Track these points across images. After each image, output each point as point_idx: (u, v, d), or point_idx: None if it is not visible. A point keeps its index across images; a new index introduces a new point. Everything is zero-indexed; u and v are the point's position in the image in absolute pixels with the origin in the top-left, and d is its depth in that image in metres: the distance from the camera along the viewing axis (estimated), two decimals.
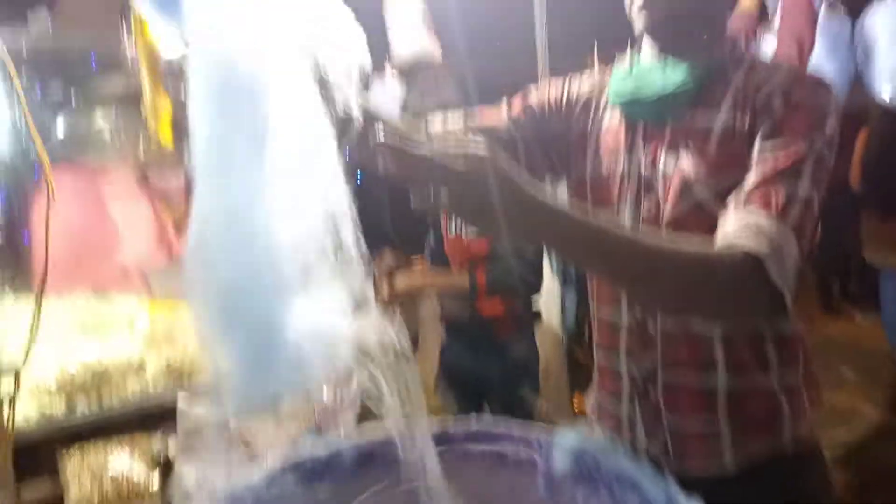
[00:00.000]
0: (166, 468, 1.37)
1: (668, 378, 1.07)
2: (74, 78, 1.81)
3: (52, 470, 1.40)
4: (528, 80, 3.36)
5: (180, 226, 2.99)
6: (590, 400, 1.25)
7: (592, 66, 3.32)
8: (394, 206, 4.82)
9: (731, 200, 0.94)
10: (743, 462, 1.05)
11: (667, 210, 1.03)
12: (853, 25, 2.42)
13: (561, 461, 1.00)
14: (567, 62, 3.82)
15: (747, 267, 0.85)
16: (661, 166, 1.04)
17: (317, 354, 0.65)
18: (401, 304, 2.26)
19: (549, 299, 2.80)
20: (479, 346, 2.36)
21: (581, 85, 1.20)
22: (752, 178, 0.94)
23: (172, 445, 1.44)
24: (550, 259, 3.35)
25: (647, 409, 1.09)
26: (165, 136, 1.70)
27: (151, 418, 1.55)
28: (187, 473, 1.37)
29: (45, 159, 1.36)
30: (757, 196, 0.91)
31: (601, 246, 0.81)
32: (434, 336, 2.58)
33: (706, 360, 1.05)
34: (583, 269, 1.03)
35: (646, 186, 1.06)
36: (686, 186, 1.01)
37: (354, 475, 1.07)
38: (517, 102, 1.22)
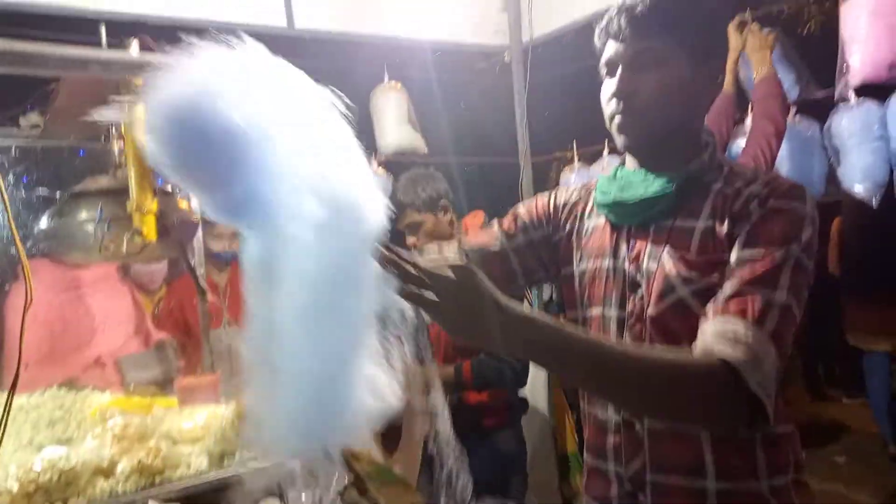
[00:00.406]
0: None
1: (657, 479, 1.07)
2: (61, 174, 1.83)
3: None
4: (510, 168, 3.48)
5: (158, 313, 2.96)
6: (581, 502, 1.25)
7: (573, 160, 3.46)
8: None
9: (710, 307, 0.97)
10: None
11: (651, 306, 1.06)
12: (821, 129, 2.53)
13: None
14: (548, 153, 3.96)
15: (724, 375, 0.88)
16: (644, 265, 1.09)
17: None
18: None
19: (537, 387, 2.76)
20: (465, 435, 2.30)
21: (567, 194, 1.28)
22: (729, 285, 0.97)
23: None
24: None
25: None
26: (150, 230, 1.71)
27: None
28: None
29: (24, 258, 1.36)
30: (734, 304, 0.95)
31: (582, 359, 0.89)
32: (418, 427, 2.52)
33: (695, 463, 1.04)
34: (566, 380, 1.05)
35: (630, 284, 1.11)
36: (668, 284, 1.05)
37: None
38: (507, 218, 1.30)
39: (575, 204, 1.26)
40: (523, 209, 1.30)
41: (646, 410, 0.99)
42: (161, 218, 1.74)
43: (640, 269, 1.09)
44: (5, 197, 1.33)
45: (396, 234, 2.52)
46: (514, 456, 2.31)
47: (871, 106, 2.40)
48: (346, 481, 1.40)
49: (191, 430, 1.68)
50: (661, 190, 1.07)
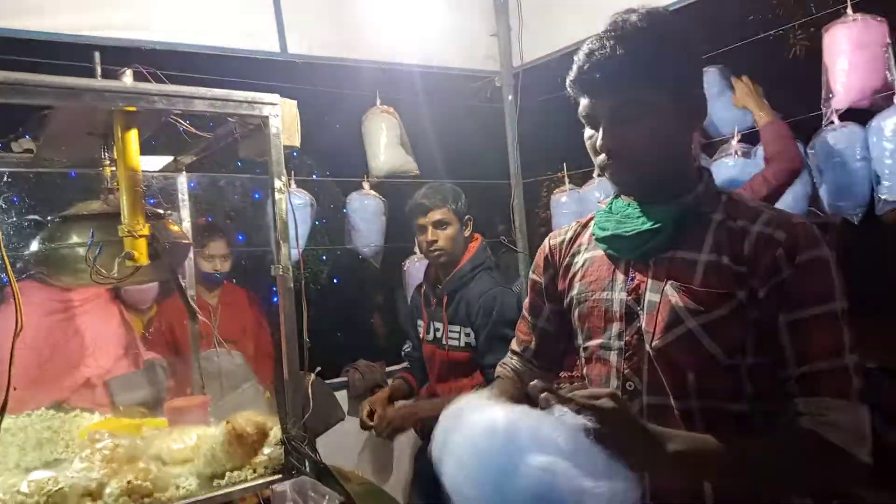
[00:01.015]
0: None
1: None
2: (53, 199, 1.85)
3: None
4: (502, 190, 3.51)
5: (149, 334, 2.96)
6: None
7: (563, 182, 3.49)
8: (370, 316, 4.84)
9: (792, 385, 0.99)
10: None
11: (655, 339, 1.07)
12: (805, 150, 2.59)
13: None
14: (538, 174, 4.00)
15: (836, 456, 0.94)
16: (645, 298, 1.10)
17: None
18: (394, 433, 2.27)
19: None
20: None
21: (560, 234, 1.32)
22: (800, 361, 0.98)
23: None
24: None
25: None
26: (141, 253, 1.72)
27: None
28: None
29: (14, 282, 1.37)
30: (819, 385, 0.97)
31: (719, 466, 0.96)
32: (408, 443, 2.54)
33: (693, 491, 1.06)
34: (702, 480, 1.06)
35: (628, 318, 1.12)
36: (675, 316, 1.05)
37: None
38: (529, 296, 1.38)
39: (571, 240, 1.29)
40: (533, 275, 1.36)
41: (774, 493, 1.04)
42: (152, 241, 1.75)
43: (639, 302, 1.10)
44: None
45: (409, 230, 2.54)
46: None
47: (853, 129, 2.46)
48: (337, 502, 1.40)
49: (180, 451, 1.68)
50: (658, 223, 1.08)
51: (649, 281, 1.10)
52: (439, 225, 2.35)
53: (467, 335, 2.31)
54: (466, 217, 2.39)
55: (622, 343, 1.12)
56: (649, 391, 1.09)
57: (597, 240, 1.19)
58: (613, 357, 1.13)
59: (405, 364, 2.66)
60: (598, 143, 1.08)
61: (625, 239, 1.12)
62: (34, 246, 1.73)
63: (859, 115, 2.47)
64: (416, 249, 3.37)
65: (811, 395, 0.97)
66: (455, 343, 2.34)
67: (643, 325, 1.09)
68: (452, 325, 2.34)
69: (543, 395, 0.89)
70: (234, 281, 3.41)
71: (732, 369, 1.04)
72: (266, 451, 1.68)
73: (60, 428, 1.89)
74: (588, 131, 1.13)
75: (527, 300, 1.39)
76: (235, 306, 3.29)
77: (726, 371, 1.04)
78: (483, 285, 2.32)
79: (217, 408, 2.06)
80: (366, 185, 3.29)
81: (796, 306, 0.98)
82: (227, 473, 1.61)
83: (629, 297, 1.12)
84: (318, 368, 1.80)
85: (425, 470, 2.44)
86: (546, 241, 1.34)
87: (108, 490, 1.47)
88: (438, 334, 2.39)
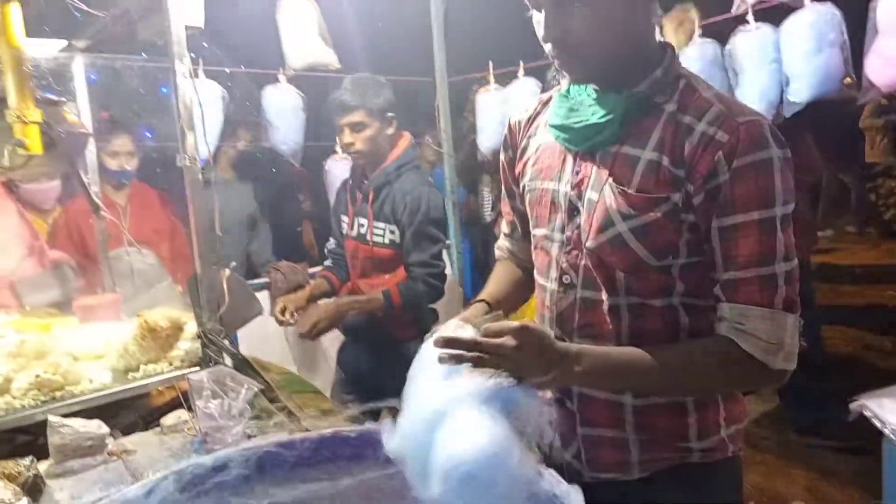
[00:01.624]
0: (35, 489, 1.28)
1: (583, 391, 1.11)
2: None
3: None
4: (427, 88, 3.43)
5: (53, 233, 2.81)
6: None
7: (489, 81, 3.44)
8: (294, 217, 4.75)
9: (718, 290, 0.99)
10: (649, 468, 1.10)
11: (589, 239, 1.05)
12: (722, 51, 2.63)
13: None
14: (465, 73, 3.92)
15: (750, 365, 0.97)
16: (585, 194, 1.06)
17: None
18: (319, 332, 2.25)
19: (451, 301, 2.84)
20: (377, 346, 2.36)
21: (523, 112, 1.25)
22: (727, 268, 0.98)
23: (41, 467, 1.34)
24: (451, 261, 3.42)
25: (563, 416, 1.13)
26: (34, 141, 1.60)
27: (19, 435, 1.45)
28: (59, 491, 1.29)
29: None
30: (740, 292, 0.97)
31: (631, 376, 1.01)
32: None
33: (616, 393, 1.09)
34: (618, 389, 1.09)
35: (570, 213, 1.09)
36: (607, 218, 1.03)
37: (243, 484, 1.06)
38: (503, 176, 1.31)
39: (529, 120, 1.22)
40: (501, 154, 1.29)
41: (685, 395, 1.08)
42: (46, 129, 1.63)
43: (581, 197, 1.07)
44: None
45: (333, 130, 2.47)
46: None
47: (766, 31, 2.51)
48: (256, 390, 1.42)
49: (92, 346, 1.64)
50: (606, 116, 1.02)
51: (592, 177, 1.06)
52: (356, 127, 2.28)
53: (392, 232, 2.31)
54: (389, 115, 2.33)
55: (563, 237, 1.10)
56: (583, 286, 1.08)
57: (550, 126, 1.12)
58: (555, 248, 1.12)
59: (327, 262, 2.64)
60: (542, 31, 1.00)
61: (573, 130, 1.06)
62: None
63: (774, 16, 2.52)
64: (338, 148, 3.28)
65: (733, 302, 0.97)
66: (379, 239, 2.34)
67: (581, 222, 1.07)
68: (378, 221, 2.33)
69: (441, 354, 0.92)
70: (143, 181, 3.25)
71: (663, 269, 1.03)
72: (182, 345, 1.67)
73: None
74: (535, 16, 1.03)
75: (502, 183, 1.34)
76: (146, 207, 3.15)
77: (656, 271, 1.03)
78: (409, 184, 2.30)
79: (130, 307, 2.01)
80: (282, 78, 3.14)
81: (729, 212, 0.96)
82: (143, 367, 1.59)
83: (573, 192, 1.08)
84: (233, 263, 1.77)
85: (349, 367, 2.50)
86: (510, 117, 1.27)
87: (15, 385, 1.43)
88: (363, 230, 2.37)
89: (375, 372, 2.30)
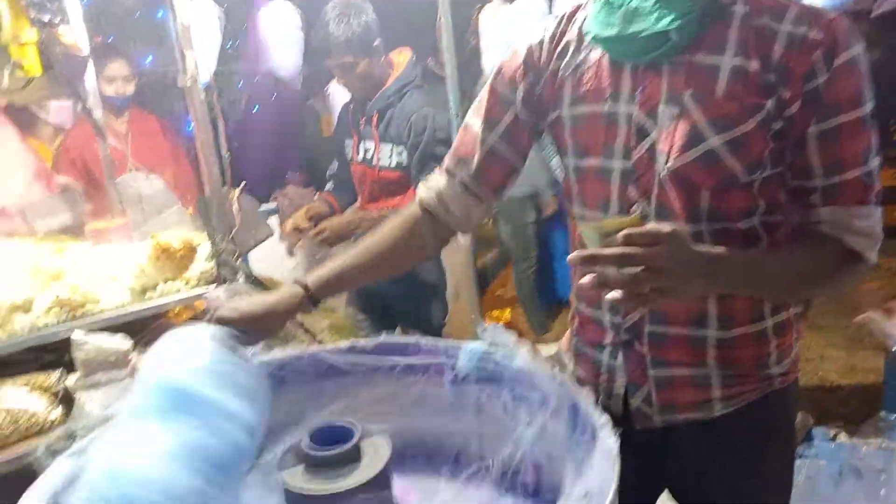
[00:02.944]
0: (67, 400, 1.33)
1: (656, 329, 1.02)
2: None
3: None
4: (427, 5, 3.31)
5: (58, 160, 2.79)
6: (566, 340, 1.23)
7: None
8: (293, 138, 4.69)
9: (817, 198, 0.95)
10: (731, 404, 1.04)
11: (671, 159, 0.95)
12: None
13: (465, 367, 1.06)
14: None
15: (855, 262, 0.95)
16: (660, 111, 0.95)
17: None
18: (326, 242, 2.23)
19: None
20: None
21: (544, 31, 1.09)
22: (828, 171, 0.93)
23: (70, 379, 1.39)
24: None
25: (631, 359, 1.05)
26: (32, 63, 1.57)
27: (45, 354, 1.50)
28: (89, 402, 1.34)
29: None
30: (844, 193, 0.93)
31: (763, 278, 0.94)
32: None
33: (698, 314, 1.01)
34: (745, 294, 1.02)
35: (638, 133, 0.98)
36: (695, 133, 0.93)
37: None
38: (484, 101, 1.13)
39: (554, 39, 1.07)
40: (496, 82, 1.12)
41: (796, 298, 1.06)
42: (44, 50, 1.59)
43: (653, 115, 0.96)
44: None
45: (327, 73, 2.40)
46: (434, 286, 2.41)
47: None
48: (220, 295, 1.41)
49: (108, 268, 1.67)
50: (675, 20, 0.90)
51: (665, 91, 0.94)
52: (345, 69, 2.22)
53: (399, 154, 2.28)
54: (375, 44, 2.24)
55: (629, 163, 0.98)
56: (658, 214, 0.97)
57: (595, 39, 0.99)
58: (615, 178, 1.00)
59: (328, 186, 2.62)
60: None
61: (636, 41, 0.93)
62: None
63: None
64: None
65: (836, 205, 0.93)
66: (386, 162, 2.31)
67: (658, 144, 0.96)
68: (384, 143, 2.30)
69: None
70: (143, 108, 3.20)
71: (748, 185, 0.95)
72: (196, 267, 1.69)
73: None
74: None
75: (475, 109, 1.15)
76: (147, 134, 3.12)
77: (742, 190, 0.95)
78: (413, 103, 2.25)
79: (141, 232, 2.02)
80: None
81: (830, 115, 0.90)
82: (160, 287, 1.62)
83: (640, 112, 0.96)
84: (244, 182, 1.77)
85: (359, 288, 2.52)
86: (522, 41, 1.11)
87: (37, 304, 1.46)
88: (369, 154, 2.35)
89: (385, 293, 2.34)
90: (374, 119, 2.30)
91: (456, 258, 3.01)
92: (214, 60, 2.91)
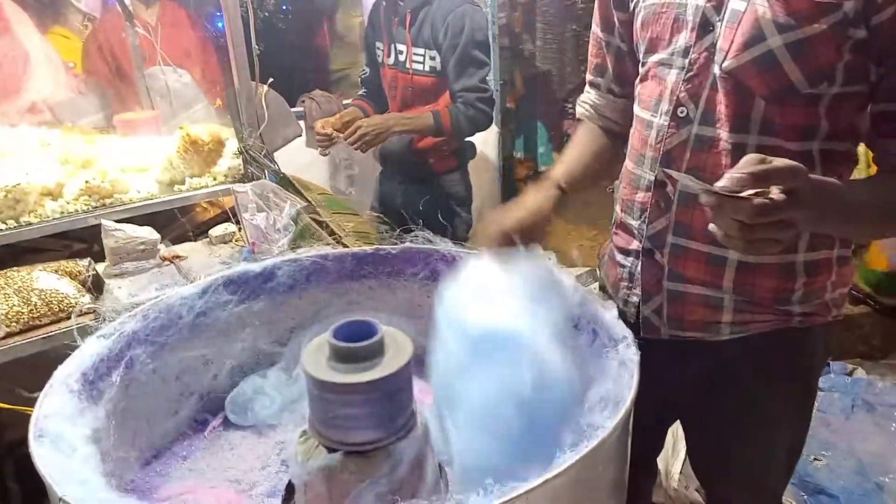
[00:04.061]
0: (96, 286, 1.36)
1: (678, 241, 0.98)
2: None
3: None
4: None
5: (86, 51, 2.76)
6: (604, 249, 1.23)
7: None
8: (326, 46, 4.58)
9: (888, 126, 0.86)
10: (740, 331, 1.00)
11: (728, 58, 0.88)
12: None
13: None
14: None
15: None
16: (728, 5, 0.89)
17: None
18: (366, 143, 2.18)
19: (487, 135, 2.79)
20: (414, 176, 2.36)
21: None
22: None
23: (99, 267, 1.42)
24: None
25: (650, 268, 1.02)
26: None
27: (74, 243, 1.52)
28: (118, 289, 1.37)
29: None
30: None
31: (854, 215, 0.83)
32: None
33: None
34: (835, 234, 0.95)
35: (702, 28, 0.91)
36: (757, 31, 0.85)
37: (290, 290, 1.11)
38: (597, 12, 1.12)
39: None
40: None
41: (874, 238, 0.99)
42: None
43: (720, 9, 0.89)
44: None
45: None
46: (460, 198, 2.39)
47: None
48: (298, 206, 1.44)
49: (136, 158, 1.67)
50: None
51: None
52: None
53: (432, 58, 2.21)
54: None
55: (686, 60, 0.92)
56: (703, 120, 0.92)
57: None
58: (672, 76, 0.95)
59: (361, 91, 2.56)
60: None
61: None
62: None
63: None
64: None
65: None
66: (419, 67, 2.24)
67: (718, 40, 0.89)
68: (416, 47, 2.22)
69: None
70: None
71: (811, 100, 0.87)
72: (224, 162, 1.68)
73: (9, 142, 1.83)
74: None
75: (595, 17, 1.14)
76: (177, 27, 3.03)
77: (804, 103, 0.87)
78: (449, 2, 2.16)
79: (169, 126, 2.01)
80: None
81: None
82: (188, 180, 1.62)
83: (708, 4, 0.90)
84: (271, 79, 1.72)
85: (386, 196, 2.51)
86: None
87: (66, 190, 1.48)
88: (401, 57, 2.27)
89: (413, 203, 2.32)
90: (407, 20, 2.21)
91: (484, 175, 2.98)
92: None
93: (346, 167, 2.75)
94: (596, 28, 1.14)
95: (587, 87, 1.19)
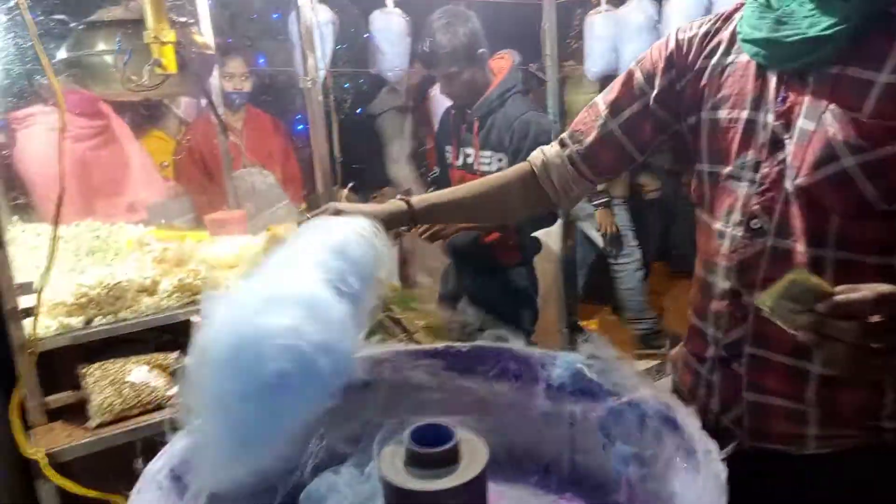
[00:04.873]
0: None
1: (756, 352, 0.96)
2: (76, 5, 1.80)
3: (75, 385, 1.47)
4: (531, 9, 3.31)
5: (179, 150, 3.00)
6: (677, 353, 1.18)
7: (598, 2, 3.27)
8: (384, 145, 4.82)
9: None
10: (828, 445, 0.95)
11: (800, 175, 0.88)
12: None
13: (561, 377, 1.05)
14: None
15: None
16: (797, 125, 0.89)
17: None
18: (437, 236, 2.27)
19: (552, 229, 2.84)
20: (481, 270, 2.40)
21: (695, 27, 1.05)
22: None
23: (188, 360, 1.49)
24: None
25: (727, 378, 1.00)
26: (170, 60, 1.70)
27: (165, 334, 1.62)
28: None
29: (55, 83, 1.36)
30: None
31: None
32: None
33: (803, 344, 0.88)
34: None
35: (772, 145, 0.92)
36: (829, 151, 0.85)
37: (362, 386, 1.13)
38: (617, 86, 1.12)
39: (707, 36, 1.03)
40: (637, 68, 1.10)
41: None
42: (179, 49, 1.72)
43: (789, 128, 0.89)
44: (31, 22, 1.31)
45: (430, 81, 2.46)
46: (525, 292, 2.43)
47: None
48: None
49: (225, 257, 1.78)
50: (831, 27, 0.83)
51: (805, 103, 0.88)
52: (450, 78, 2.26)
53: (500, 160, 2.30)
54: (480, 52, 2.27)
55: (758, 175, 0.93)
56: (778, 233, 0.91)
57: (743, 41, 0.94)
58: (743, 189, 0.94)
59: (431, 190, 2.67)
60: None
61: (782, 45, 0.88)
62: (62, 52, 1.72)
63: None
64: None
65: None
66: (486, 168, 2.33)
67: (789, 157, 0.89)
68: (484, 150, 2.33)
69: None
70: (257, 107, 3.39)
71: (888, 216, 0.85)
72: None
73: (108, 237, 2.00)
74: None
75: (607, 90, 1.14)
76: (261, 131, 3.30)
77: (881, 219, 0.86)
78: (516, 109, 2.27)
79: (253, 225, 2.14)
80: (389, 2, 3.12)
81: None
82: None
83: (777, 122, 0.90)
84: (351, 184, 1.84)
85: (451, 290, 2.56)
86: (671, 33, 1.08)
87: (162, 286, 1.59)
88: (469, 160, 2.38)
89: (479, 296, 2.36)
90: (476, 125, 2.32)
91: (547, 266, 3.00)
92: (326, 63, 3.04)
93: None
94: (600, 102, 1.14)
95: (554, 142, 1.20)
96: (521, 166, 1.22)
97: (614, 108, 1.12)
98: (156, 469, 0.85)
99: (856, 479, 0.95)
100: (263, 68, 3.56)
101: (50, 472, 1.31)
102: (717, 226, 1.00)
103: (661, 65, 1.06)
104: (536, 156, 1.20)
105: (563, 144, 1.17)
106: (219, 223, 2.01)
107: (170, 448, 0.89)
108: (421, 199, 1.16)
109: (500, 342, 1.12)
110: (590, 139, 1.13)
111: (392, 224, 1.11)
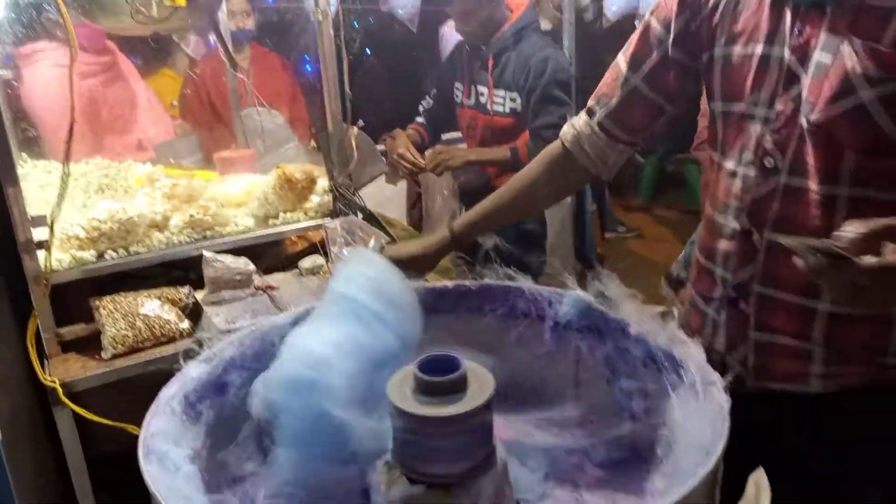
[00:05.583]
0: (195, 313, 1.46)
1: (764, 292, 0.96)
2: None
3: (87, 318, 1.49)
4: None
5: (185, 92, 2.96)
6: (685, 292, 1.19)
7: None
8: (406, 85, 4.74)
9: None
10: (832, 384, 0.95)
11: (816, 111, 0.86)
12: None
13: (568, 315, 1.06)
14: None
15: None
16: (813, 56, 0.86)
17: None
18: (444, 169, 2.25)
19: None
20: None
21: None
22: None
23: (198, 295, 1.52)
24: None
25: (734, 318, 1.00)
26: None
27: (176, 269, 1.63)
28: (215, 316, 1.46)
29: (66, 16, 1.33)
30: None
31: None
32: (447, 205, 2.60)
33: (811, 282, 0.85)
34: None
35: (787, 80, 0.90)
36: (846, 84, 0.83)
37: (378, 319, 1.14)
38: (635, 41, 1.10)
39: None
40: (653, 18, 1.07)
41: None
42: None
43: (805, 62, 0.87)
44: None
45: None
46: (535, 234, 2.42)
47: None
48: (383, 242, 1.49)
49: (234, 194, 1.78)
50: None
51: (822, 36, 0.85)
52: (467, 15, 2.20)
53: (513, 100, 2.26)
54: None
55: (772, 111, 0.91)
56: (791, 171, 0.90)
57: None
58: (756, 127, 0.93)
59: (419, 119, 2.60)
60: None
61: None
62: None
63: None
64: None
65: None
66: (500, 108, 2.28)
67: (804, 92, 0.87)
68: (498, 88, 2.28)
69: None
70: (263, 45, 3.32)
71: None
72: (315, 198, 1.77)
73: (117, 175, 2.00)
74: None
75: (626, 46, 1.12)
76: (267, 70, 3.23)
77: None
78: (531, 46, 2.21)
79: (262, 165, 2.13)
80: None
81: None
82: (281, 215, 1.71)
83: (792, 56, 0.88)
84: (361, 122, 1.81)
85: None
86: None
87: (172, 222, 1.59)
88: (482, 99, 2.33)
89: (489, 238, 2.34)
90: (490, 63, 2.27)
91: (556, 211, 2.98)
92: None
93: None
94: (621, 60, 1.12)
95: (582, 112, 1.17)
96: (551, 148, 1.19)
97: (634, 62, 1.10)
98: (169, 395, 0.88)
99: (858, 417, 0.95)
100: (267, 6, 3.46)
101: (65, 400, 1.35)
102: (729, 165, 0.99)
103: (675, 8, 1.04)
104: (567, 130, 1.18)
105: (590, 113, 1.15)
106: (228, 162, 2.00)
107: (182, 375, 0.91)
108: (460, 222, 1.19)
109: (511, 282, 1.13)
110: (615, 100, 1.11)
111: (441, 254, 1.18)
